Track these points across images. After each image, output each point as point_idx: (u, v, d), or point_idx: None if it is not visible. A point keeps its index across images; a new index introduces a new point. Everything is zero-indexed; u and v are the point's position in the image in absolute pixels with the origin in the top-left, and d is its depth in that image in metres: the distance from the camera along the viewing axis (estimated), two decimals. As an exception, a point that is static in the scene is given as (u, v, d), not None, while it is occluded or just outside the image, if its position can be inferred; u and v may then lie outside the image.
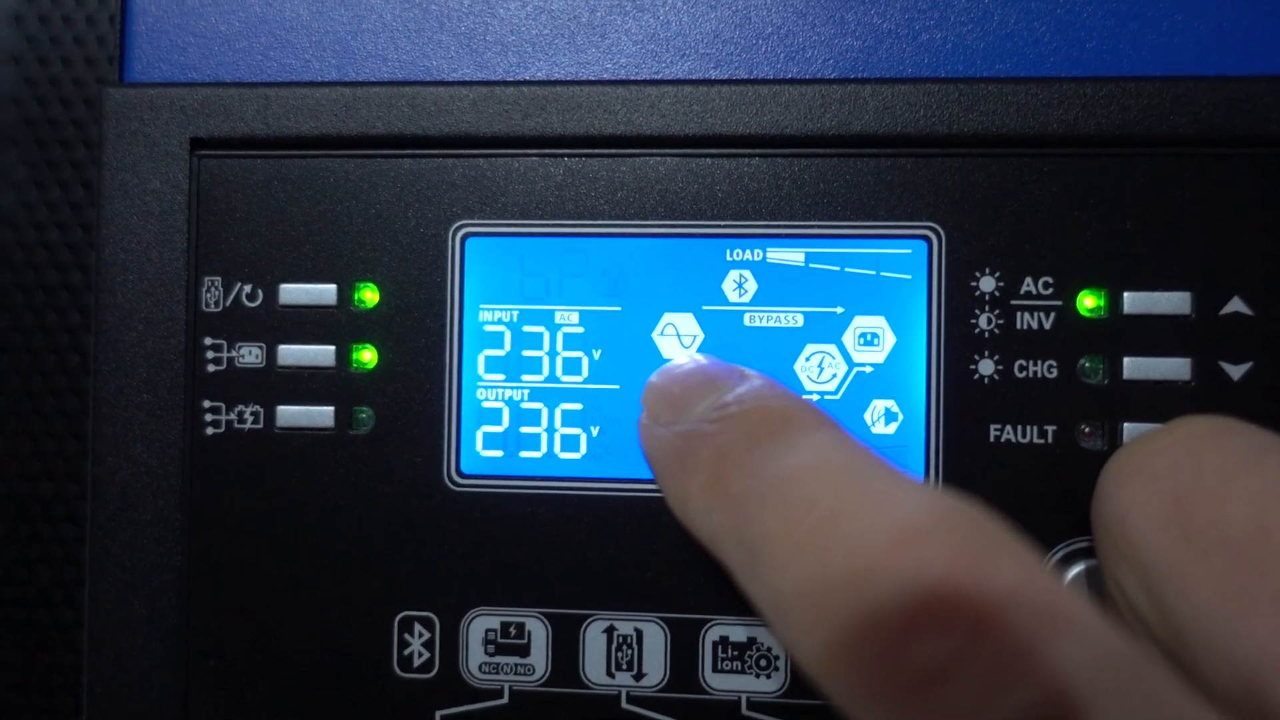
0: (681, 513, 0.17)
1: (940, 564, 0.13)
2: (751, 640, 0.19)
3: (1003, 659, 0.12)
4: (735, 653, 0.19)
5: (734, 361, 0.19)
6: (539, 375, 0.20)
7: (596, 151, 0.20)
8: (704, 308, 0.19)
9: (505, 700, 0.19)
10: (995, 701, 0.12)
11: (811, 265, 0.19)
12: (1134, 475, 0.15)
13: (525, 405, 0.20)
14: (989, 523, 0.14)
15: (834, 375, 0.19)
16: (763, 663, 0.19)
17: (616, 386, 0.20)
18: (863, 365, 0.19)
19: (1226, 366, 0.18)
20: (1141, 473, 0.15)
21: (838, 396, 0.19)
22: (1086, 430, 0.18)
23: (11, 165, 0.34)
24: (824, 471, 0.15)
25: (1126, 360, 0.18)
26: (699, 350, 0.19)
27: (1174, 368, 0.18)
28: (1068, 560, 0.18)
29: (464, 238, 0.20)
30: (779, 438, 0.16)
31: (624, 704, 0.19)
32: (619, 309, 0.20)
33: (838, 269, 0.19)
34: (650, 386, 0.18)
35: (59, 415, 0.33)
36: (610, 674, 0.19)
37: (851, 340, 0.19)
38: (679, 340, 0.19)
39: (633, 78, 0.20)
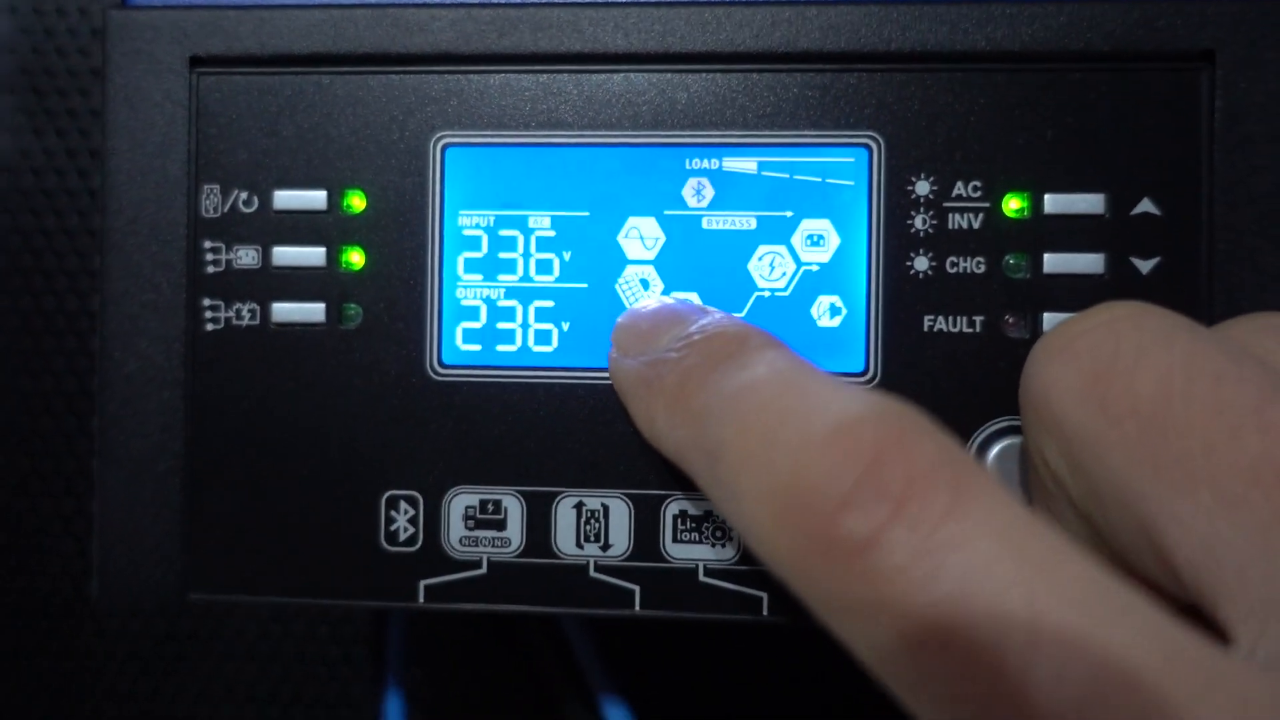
0: (649, 432, 0.19)
1: (869, 447, 0.15)
2: (707, 514, 0.21)
3: (924, 525, 0.14)
4: (693, 525, 0.21)
5: (692, 262, 0.21)
6: (514, 275, 0.21)
7: (566, 68, 0.21)
8: (665, 212, 0.21)
9: (484, 570, 0.21)
10: (920, 562, 0.14)
11: (763, 173, 0.21)
12: (1058, 354, 0.17)
13: (501, 303, 0.21)
14: (912, 413, 0.15)
15: (784, 274, 0.21)
16: (718, 534, 0.21)
17: (585, 285, 0.21)
18: (809, 264, 0.21)
19: (1136, 261, 0.20)
20: (1065, 351, 0.17)
21: (787, 293, 0.21)
22: (1010, 320, 0.20)
23: (8, 112, 0.35)
24: (772, 382, 0.17)
25: (1047, 256, 0.20)
26: (660, 252, 0.21)
27: (1089, 263, 0.20)
28: (993, 438, 0.20)
29: (444, 148, 0.21)
30: (735, 358, 0.17)
31: (592, 572, 0.21)
32: (587, 214, 0.21)
33: (787, 176, 0.21)
34: (619, 325, 0.20)
35: (60, 315, 0.34)
36: (579, 545, 0.21)
37: (800, 241, 0.21)
38: (642, 242, 0.21)
39: (600, 1, 0.22)
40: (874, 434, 0.15)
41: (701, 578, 0.21)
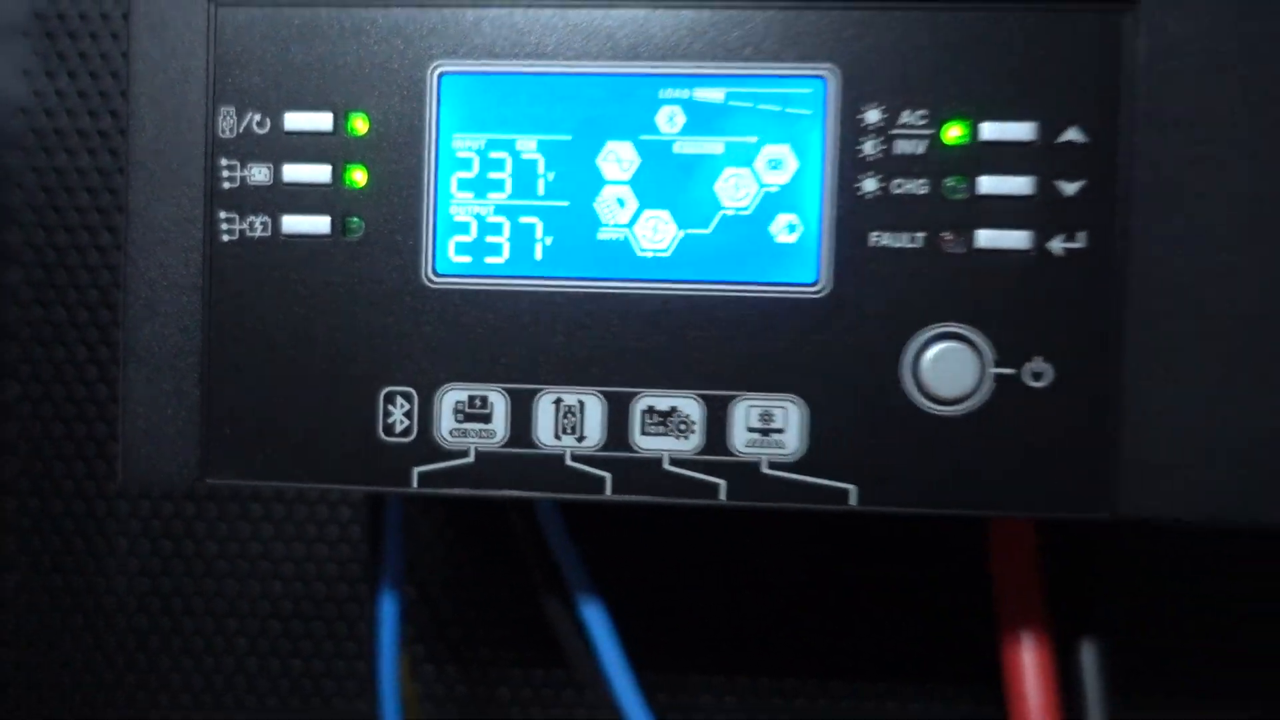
0: None
1: None
2: (673, 409, 0.23)
3: None
4: (659, 419, 0.23)
5: (664, 183, 0.23)
6: (502, 194, 0.24)
7: (552, 3, 0.23)
8: (641, 137, 0.23)
9: (471, 459, 0.23)
10: None
11: (730, 102, 0.23)
12: None
13: (490, 219, 0.24)
14: None
15: (747, 194, 0.23)
16: (682, 427, 0.23)
17: (566, 204, 0.24)
18: (770, 186, 0.23)
19: (1062, 184, 0.22)
20: None
21: (749, 212, 0.23)
22: (948, 237, 0.23)
23: (25, 56, 0.37)
24: None
25: (982, 179, 0.22)
26: (635, 173, 0.23)
27: (1020, 185, 0.22)
28: (930, 341, 0.23)
29: (440, 75, 0.24)
30: None
31: (568, 461, 0.23)
32: (569, 138, 0.23)
33: (751, 105, 0.23)
34: None
35: (83, 229, 0.36)
36: (557, 437, 0.23)
37: (762, 165, 0.23)
38: (619, 165, 0.23)
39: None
40: None
41: (666, 466, 0.23)
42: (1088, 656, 0.32)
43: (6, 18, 0.38)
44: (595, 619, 0.31)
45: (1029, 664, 0.32)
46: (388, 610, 0.31)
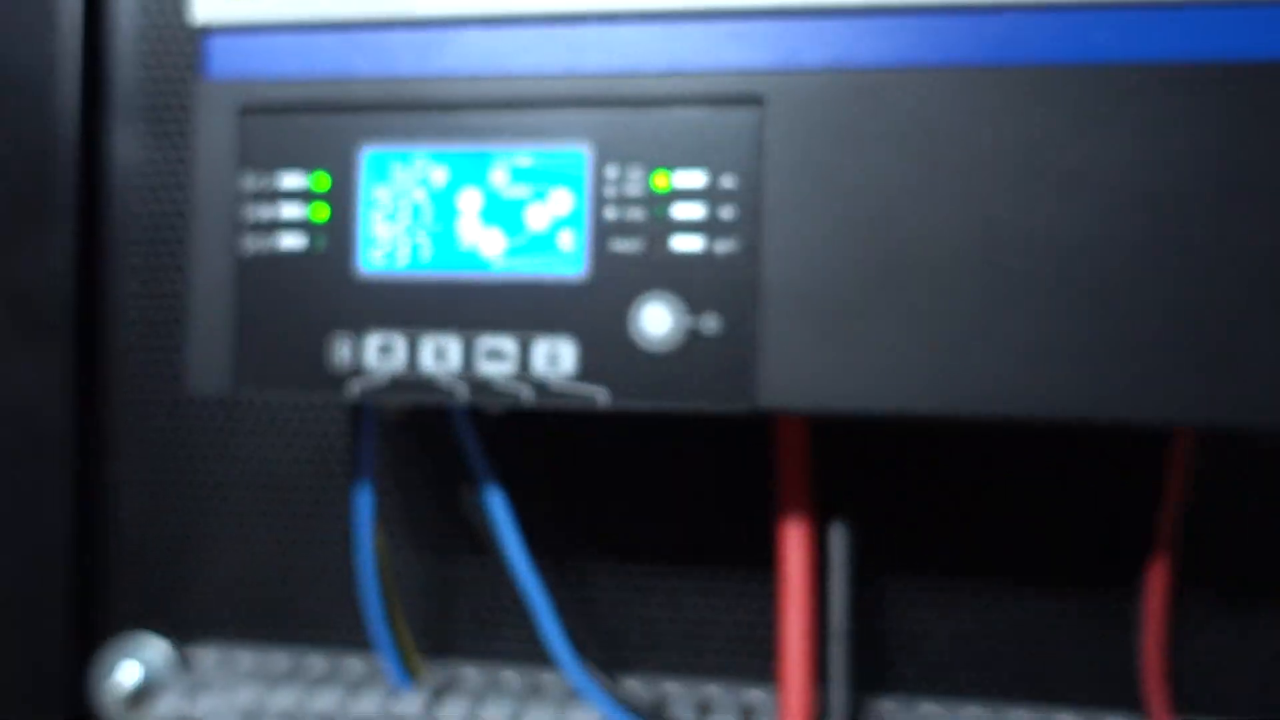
0: None
1: None
2: (499, 348, 0.39)
3: None
4: (492, 353, 0.39)
5: (497, 212, 0.39)
6: (403, 223, 0.40)
7: (434, 105, 0.39)
8: (485, 185, 0.39)
9: (387, 380, 0.40)
10: None
11: (534, 164, 0.39)
12: None
13: (396, 237, 0.40)
14: None
15: (544, 220, 0.39)
16: (502, 356, 0.39)
17: (439, 228, 0.40)
18: (558, 213, 0.39)
19: (722, 209, 0.37)
20: None
21: (545, 231, 0.39)
22: (657, 243, 0.38)
23: (141, 134, 0.55)
24: None
25: (675, 205, 0.38)
26: (480, 210, 0.39)
27: (698, 209, 0.38)
28: (645, 302, 0.38)
29: (366, 153, 0.40)
30: None
31: (441, 380, 0.39)
32: (441, 188, 0.40)
33: (542, 165, 0.39)
34: None
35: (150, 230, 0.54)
36: (435, 363, 0.39)
37: (551, 202, 0.39)
38: (471, 203, 0.39)
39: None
40: None
41: (495, 381, 0.39)
42: (835, 537, 0.47)
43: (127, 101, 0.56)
44: (497, 506, 0.47)
45: (793, 540, 0.46)
46: (364, 500, 0.47)
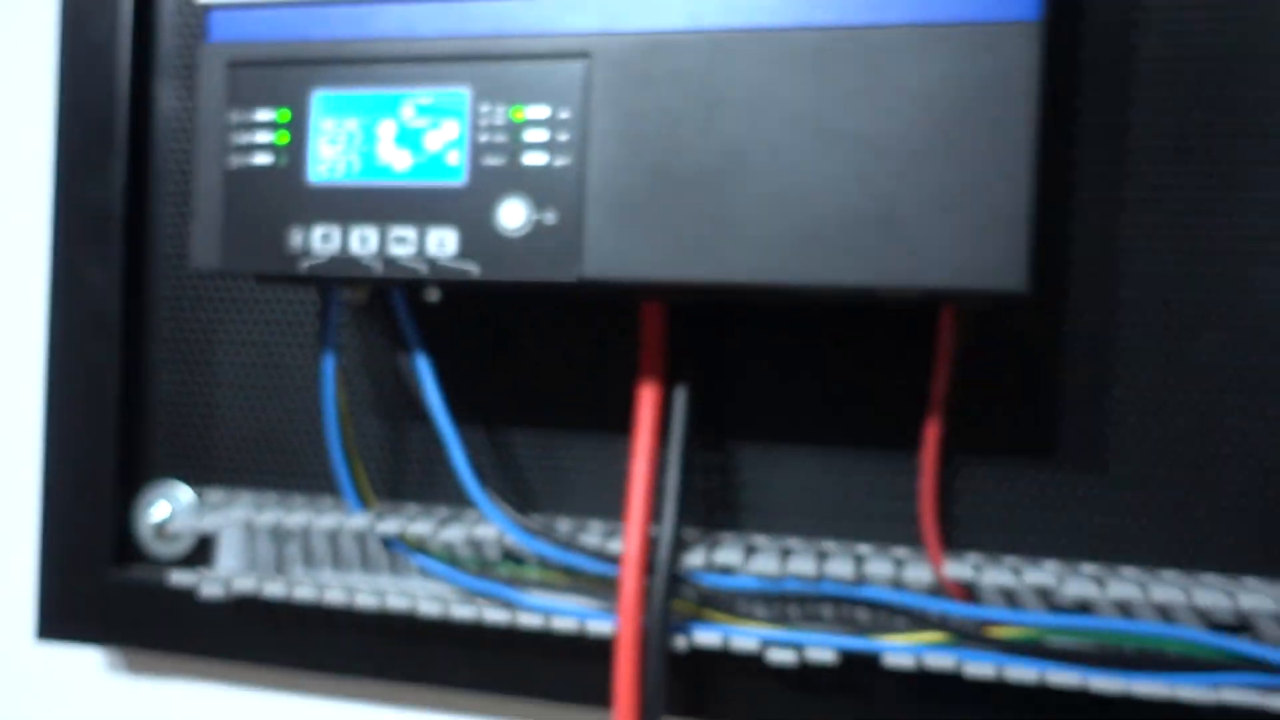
0: None
1: None
2: (405, 235, 0.54)
3: None
4: (400, 241, 0.54)
5: (410, 138, 0.54)
6: (340, 145, 0.55)
7: (387, 58, 0.54)
8: (398, 119, 0.54)
9: (325, 260, 0.55)
10: None
11: (435, 102, 0.53)
12: None
13: (341, 156, 0.55)
14: None
15: (442, 141, 0.53)
16: (406, 242, 0.54)
17: (366, 148, 0.54)
18: (447, 138, 0.53)
19: (558, 134, 0.51)
20: None
21: (439, 150, 0.53)
22: (510, 157, 0.52)
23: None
24: None
25: (526, 131, 0.52)
26: (395, 135, 0.54)
27: (536, 134, 0.52)
28: (502, 201, 0.52)
29: (315, 95, 0.55)
30: None
31: (367, 260, 0.54)
32: (367, 119, 0.54)
33: (439, 103, 0.53)
34: None
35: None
36: (361, 249, 0.54)
37: (442, 129, 0.53)
38: (390, 132, 0.54)
39: None
40: None
41: (401, 259, 0.53)
42: (677, 397, 0.60)
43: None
44: (425, 373, 0.62)
45: (645, 402, 0.60)
46: (328, 366, 0.63)
